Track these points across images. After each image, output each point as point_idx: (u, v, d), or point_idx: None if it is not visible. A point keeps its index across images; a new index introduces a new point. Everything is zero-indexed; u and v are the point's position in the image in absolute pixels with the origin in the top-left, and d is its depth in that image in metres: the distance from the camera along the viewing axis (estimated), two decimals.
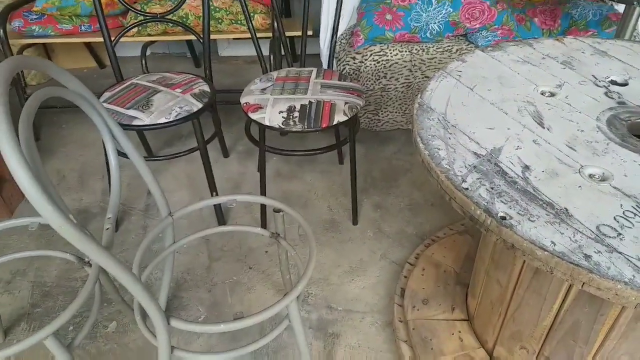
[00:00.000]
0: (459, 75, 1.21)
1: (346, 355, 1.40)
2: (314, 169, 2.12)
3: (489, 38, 2.01)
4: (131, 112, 1.59)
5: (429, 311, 1.43)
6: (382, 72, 2.06)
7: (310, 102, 1.56)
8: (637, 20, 1.72)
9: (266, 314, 0.97)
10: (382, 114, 2.22)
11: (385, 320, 1.49)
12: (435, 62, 2.04)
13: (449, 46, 2.03)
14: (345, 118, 1.52)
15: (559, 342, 1.10)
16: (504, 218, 0.81)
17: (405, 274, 1.57)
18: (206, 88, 1.73)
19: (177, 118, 1.59)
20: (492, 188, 0.87)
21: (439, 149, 0.97)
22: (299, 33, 2.24)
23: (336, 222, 1.85)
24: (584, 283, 0.73)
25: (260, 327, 1.46)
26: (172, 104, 1.62)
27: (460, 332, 1.37)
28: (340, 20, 2.17)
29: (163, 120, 1.57)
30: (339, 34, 2.22)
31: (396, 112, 2.22)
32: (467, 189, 0.87)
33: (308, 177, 2.08)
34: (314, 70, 1.76)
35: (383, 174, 2.09)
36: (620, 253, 0.74)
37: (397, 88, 2.12)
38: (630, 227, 0.78)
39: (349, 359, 1.39)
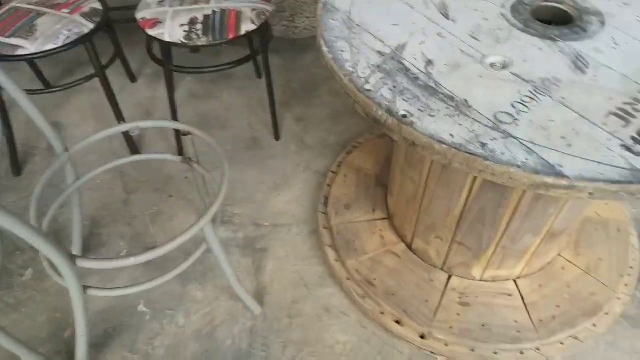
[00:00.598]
0: None
1: (274, 267, 1.42)
2: (231, 85, 2.02)
3: None
4: (13, 40, 1.39)
5: (351, 215, 1.47)
6: None
7: (213, 12, 1.44)
8: None
9: (178, 241, 0.95)
10: (298, 19, 2.11)
11: (310, 229, 1.52)
12: None
13: None
14: (254, 26, 1.43)
15: (469, 228, 1.17)
16: (404, 116, 0.80)
17: (328, 182, 1.58)
18: (97, 5, 1.54)
19: (67, 42, 1.42)
20: (394, 87, 0.85)
21: (342, 51, 0.93)
22: None
23: (258, 139, 1.81)
24: (480, 170, 0.75)
25: (185, 253, 1.44)
26: (59, 26, 1.43)
27: (381, 230, 1.43)
28: None
29: (50, 46, 1.40)
30: None
31: (313, 17, 2.11)
32: (369, 90, 0.85)
33: (225, 94, 1.99)
34: None
35: (303, 85, 2.03)
36: (514, 138, 0.76)
37: None
38: (526, 112, 0.80)
39: (277, 270, 1.42)
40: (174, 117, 1.64)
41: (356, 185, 1.55)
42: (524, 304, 1.27)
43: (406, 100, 0.83)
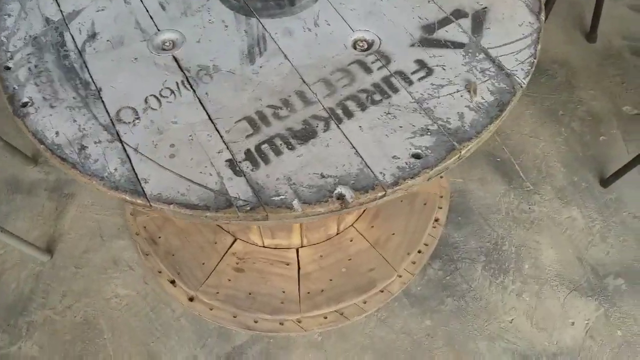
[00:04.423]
0: None
1: (76, 215, 1.41)
2: None
3: None
4: None
5: None
6: None
7: None
8: None
9: None
10: None
11: None
12: None
13: None
14: None
15: None
16: (24, 105, 0.72)
17: None
18: None
19: None
20: (36, 66, 0.76)
21: (9, 15, 0.82)
22: None
23: None
24: (72, 178, 0.68)
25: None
26: None
27: None
28: None
29: None
30: None
31: None
32: (9, 68, 0.76)
33: None
34: None
35: None
36: (121, 142, 0.68)
37: None
38: (155, 109, 0.71)
39: (78, 217, 1.40)
40: None
41: None
42: (298, 275, 1.25)
43: (38, 85, 0.74)
